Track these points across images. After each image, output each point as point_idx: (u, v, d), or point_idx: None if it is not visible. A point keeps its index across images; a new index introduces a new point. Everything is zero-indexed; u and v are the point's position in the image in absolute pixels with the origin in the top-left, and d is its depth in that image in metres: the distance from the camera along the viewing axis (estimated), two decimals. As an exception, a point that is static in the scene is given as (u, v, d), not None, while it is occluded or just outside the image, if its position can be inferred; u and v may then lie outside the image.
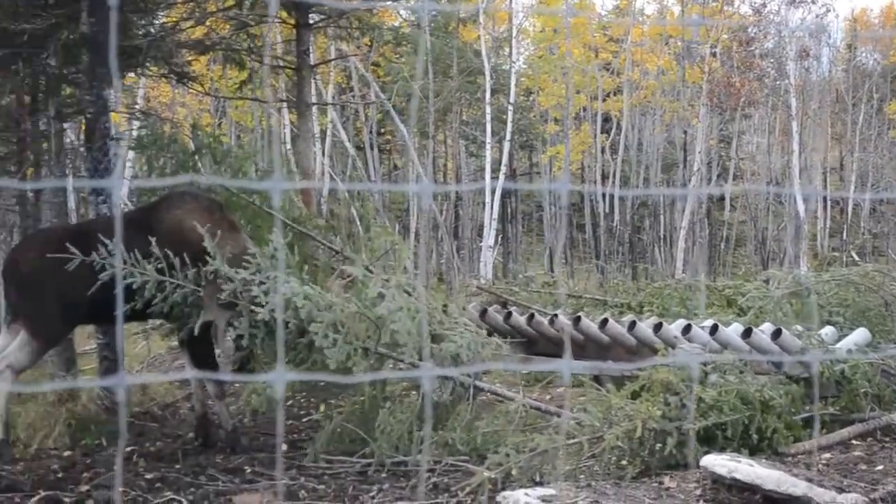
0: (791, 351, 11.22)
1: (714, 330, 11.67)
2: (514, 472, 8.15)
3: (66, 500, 8.41)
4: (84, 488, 8.76)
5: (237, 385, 13.36)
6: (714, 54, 42.30)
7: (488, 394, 10.56)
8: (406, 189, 35.34)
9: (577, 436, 8.65)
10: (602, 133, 48.91)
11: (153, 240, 9.71)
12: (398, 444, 9.38)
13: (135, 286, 9.63)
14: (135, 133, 19.87)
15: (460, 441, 9.26)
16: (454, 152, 45.97)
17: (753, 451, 8.77)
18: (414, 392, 9.92)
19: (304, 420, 11.67)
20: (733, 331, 11.84)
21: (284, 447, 10.34)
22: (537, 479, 8.24)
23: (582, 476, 8.38)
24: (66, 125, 16.92)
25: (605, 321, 12.62)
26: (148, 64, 15.62)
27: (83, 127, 13.87)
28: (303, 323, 9.51)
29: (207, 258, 9.72)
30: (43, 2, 13.41)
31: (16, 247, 11.28)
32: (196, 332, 9.84)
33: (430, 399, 9.58)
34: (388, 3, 25.80)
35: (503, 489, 7.77)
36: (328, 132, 38.36)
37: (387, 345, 9.70)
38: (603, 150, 49.35)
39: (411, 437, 9.40)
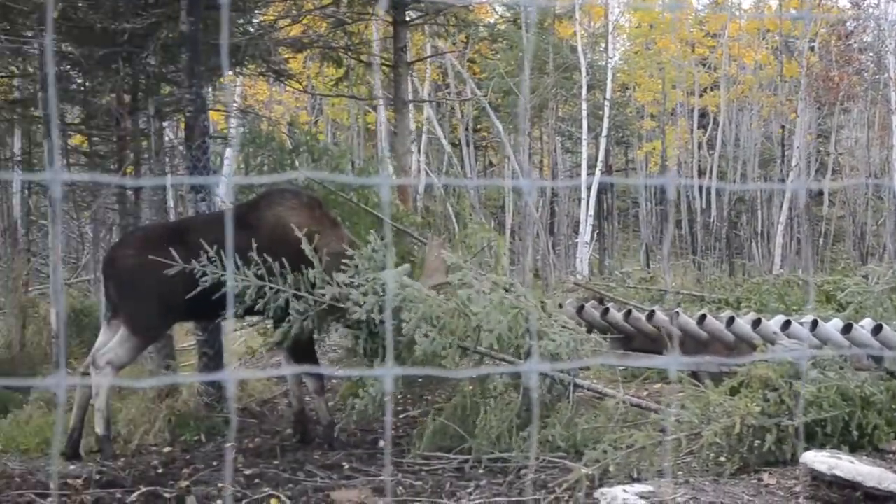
0: (892, 346, 11.03)
1: (814, 326, 11.51)
2: (611, 468, 8.08)
3: (166, 495, 8.44)
4: (184, 484, 8.80)
5: (335, 381, 13.41)
6: (812, 48, 41.74)
7: (586, 391, 10.48)
8: (511, 185, 35.28)
9: (676, 432, 8.56)
10: (699, 128, 48.44)
11: (253, 237, 9.75)
12: (497, 442, 9.35)
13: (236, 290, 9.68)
14: (232, 131, 20.03)
15: (560, 438, 9.20)
16: (550, 149, 45.76)
17: (854, 448, 8.61)
18: (514, 391, 9.84)
19: (401, 416, 11.66)
20: (833, 326, 11.67)
21: (381, 444, 10.35)
22: (635, 475, 8.17)
23: (680, 472, 8.30)
24: (164, 124, 17.08)
25: (702, 317, 12.49)
26: (246, 62, 15.73)
27: (182, 125, 13.99)
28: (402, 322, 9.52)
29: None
30: (143, 1, 13.55)
31: (115, 244, 11.41)
32: (295, 330, 9.87)
33: (536, 395, 9.51)
34: (486, -1, 25.77)
35: (601, 486, 7.72)
36: (424, 129, 38.38)
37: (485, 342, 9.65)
38: (700, 146, 48.88)
39: (511, 434, 9.37)
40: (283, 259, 9.78)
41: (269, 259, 9.73)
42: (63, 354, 10.63)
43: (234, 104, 28.58)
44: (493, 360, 9.87)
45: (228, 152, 28.60)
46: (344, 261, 9.90)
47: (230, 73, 20.73)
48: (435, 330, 9.43)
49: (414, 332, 9.37)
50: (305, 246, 9.69)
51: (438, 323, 9.49)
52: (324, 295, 9.77)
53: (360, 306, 9.53)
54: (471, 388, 10.08)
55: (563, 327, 10.03)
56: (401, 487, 8.62)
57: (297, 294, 9.83)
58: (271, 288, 9.77)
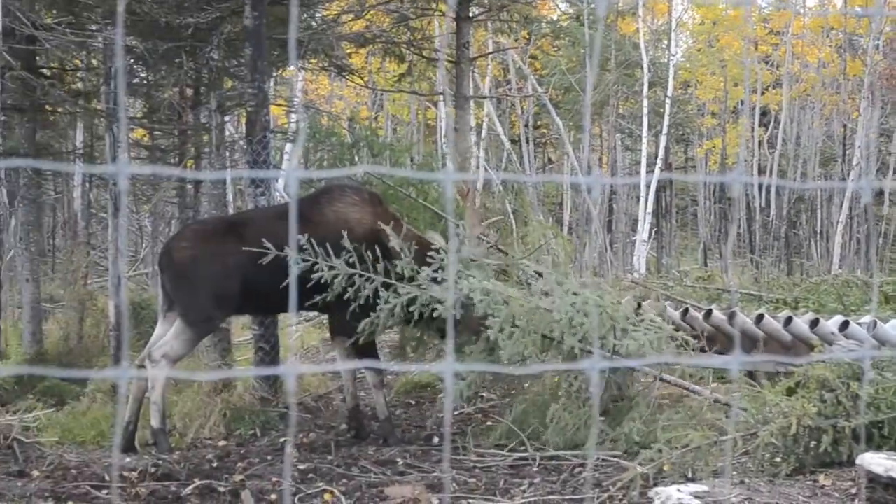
0: (953, 347, 10.89)
1: (873, 326, 11.38)
2: (666, 467, 8.05)
3: (221, 489, 8.47)
4: (238, 478, 8.83)
5: (390, 377, 13.43)
6: (877, 47, 41.27)
7: (674, 386, 10.39)
8: (574, 181, 35.12)
9: (732, 432, 8.48)
10: (760, 126, 48.08)
11: (313, 232, 9.77)
12: (561, 439, 9.34)
13: (323, 280, 9.71)
14: (293, 126, 20.07)
15: (637, 432, 9.14)
16: (610, 145, 45.59)
17: (911, 450, 8.50)
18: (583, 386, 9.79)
19: (456, 414, 11.64)
20: (892, 327, 11.54)
21: (435, 440, 10.34)
22: (690, 475, 8.11)
23: (735, 473, 8.23)
24: (226, 118, 17.15)
25: (760, 316, 12.37)
26: (308, 56, 15.76)
27: (243, 119, 14.03)
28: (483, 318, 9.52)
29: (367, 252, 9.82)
30: (207, -4, 13.62)
31: (172, 237, 11.47)
32: (383, 320, 9.89)
33: (597, 391, 9.44)
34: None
35: (655, 485, 7.69)
36: (484, 125, 38.34)
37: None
38: (760, 144, 48.52)
39: (578, 431, 9.34)
40: (343, 254, 9.80)
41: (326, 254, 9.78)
42: (125, 346, 10.69)
43: (296, 99, 28.66)
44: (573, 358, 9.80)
45: (288, 147, 28.71)
46: (430, 254, 9.92)
47: (292, 67, 20.79)
48: (518, 331, 9.40)
49: (498, 335, 9.36)
50: (394, 239, 9.72)
51: (521, 323, 9.46)
52: (419, 286, 9.77)
53: (441, 303, 9.53)
54: (535, 388, 10.07)
55: (649, 326, 9.93)
56: (455, 484, 8.61)
57: (386, 283, 9.83)
58: (361, 276, 9.78)
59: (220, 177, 12.24)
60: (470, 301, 9.63)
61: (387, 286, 9.89)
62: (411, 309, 9.85)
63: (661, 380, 9.94)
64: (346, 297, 9.92)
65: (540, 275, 10.77)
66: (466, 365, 9.46)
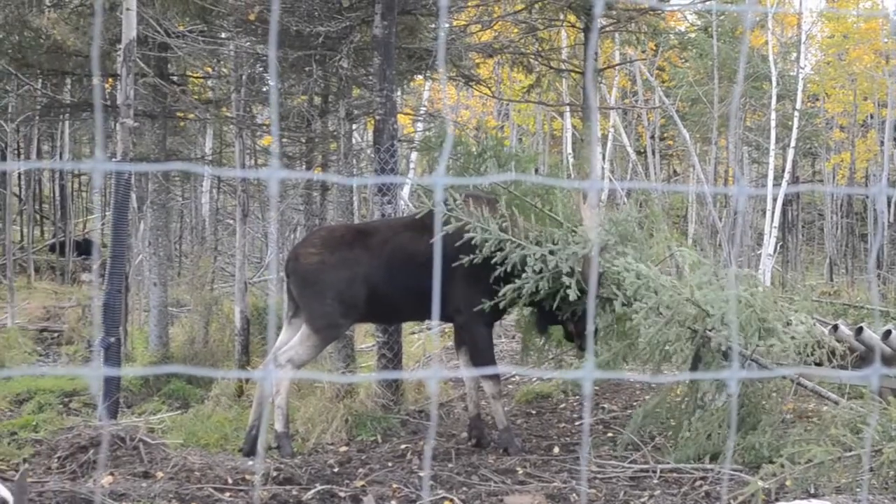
0: None
1: None
2: (788, 482, 7.91)
3: (342, 494, 8.49)
4: (359, 484, 8.85)
5: (510, 387, 13.40)
6: None
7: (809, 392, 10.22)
8: (723, 192, 34.81)
9: (856, 448, 8.30)
10: (890, 141, 47.20)
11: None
12: (684, 451, 9.24)
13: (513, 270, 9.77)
14: (418, 135, 20.12)
15: (767, 447, 9.00)
16: (736, 158, 45.12)
17: None
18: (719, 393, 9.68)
19: (576, 423, 11.59)
20: None
21: (555, 450, 10.28)
22: (812, 490, 7.97)
23: (858, 490, 8.06)
24: (353, 126, 17.28)
25: (888, 332, 12.11)
26: (436, 66, 15.80)
27: (370, 128, 14.11)
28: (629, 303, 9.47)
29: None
30: (338, 5, 13.71)
31: (299, 243, 11.55)
32: (529, 289, 9.87)
33: (735, 404, 9.30)
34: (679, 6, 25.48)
35: (777, 500, 7.57)
36: (609, 136, 38.17)
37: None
38: (891, 158, 47.63)
39: (710, 439, 9.24)
40: (463, 263, 9.82)
41: (450, 265, 9.82)
42: (272, 345, 10.79)
43: (423, 108, 28.78)
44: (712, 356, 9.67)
45: (413, 156, 28.81)
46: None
47: (419, 76, 20.89)
48: (662, 319, 9.30)
49: (642, 321, 9.27)
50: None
51: (666, 312, 9.35)
52: (574, 253, 9.75)
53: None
54: (655, 399, 9.97)
55: (798, 327, 9.76)
56: (574, 495, 8.54)
57: (552, 251, 9.82)
58: (512, 242, 9.79)
59: (384, 181, 12.27)
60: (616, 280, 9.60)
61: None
62: (540, 287, 9.82)
63: (799, 384, 9.73)
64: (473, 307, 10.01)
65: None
66: (606, 372, 9.39)
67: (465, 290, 9.99)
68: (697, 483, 8.74)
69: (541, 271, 9.80)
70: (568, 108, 31.74)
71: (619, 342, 9.81)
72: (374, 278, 10.15)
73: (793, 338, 9.47)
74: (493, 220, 9.92)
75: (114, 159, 11.18)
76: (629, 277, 9.43)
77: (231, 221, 29.52)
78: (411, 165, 31.58)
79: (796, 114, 36.49)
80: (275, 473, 8.98)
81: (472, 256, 9.79)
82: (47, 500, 7.70)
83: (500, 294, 9.89)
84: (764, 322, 9.49)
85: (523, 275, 9.81)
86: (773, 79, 35.93)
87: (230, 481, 8.68)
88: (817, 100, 48.80)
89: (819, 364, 9.98)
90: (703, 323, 9.43)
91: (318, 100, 15.75)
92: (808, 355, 9.52)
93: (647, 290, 9.40)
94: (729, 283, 9.66)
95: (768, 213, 34.96)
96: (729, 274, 9.76)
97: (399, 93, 16.17)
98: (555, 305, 9.93)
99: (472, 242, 9.84)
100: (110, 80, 17.48)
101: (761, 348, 9.42)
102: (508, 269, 9.85)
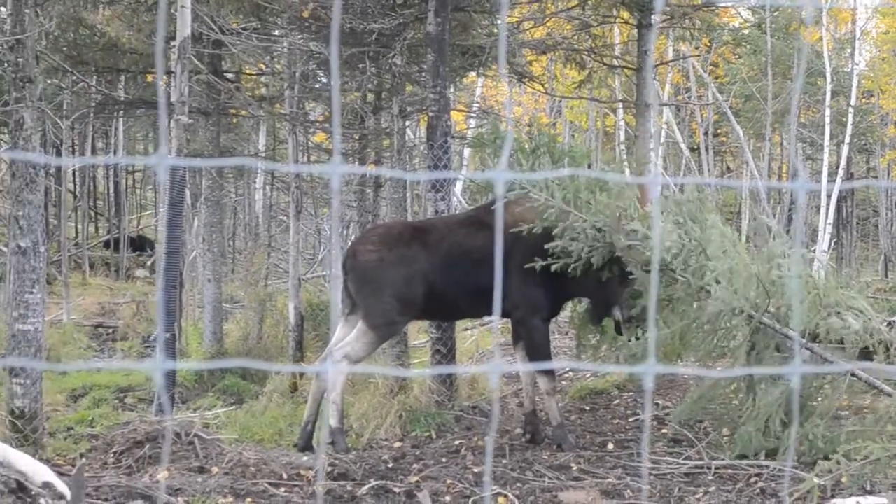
0: None
1: None
2: (844, 479, 7.86)
3: (396, 489, 8.51)
4: (413, 479, 8.87)
5: (564, 383, 13.39)
6: None
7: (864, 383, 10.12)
8: (782, 187, 34.65)
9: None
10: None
11: (492, 238, 9.82)
12: (739, 446, 9.20)
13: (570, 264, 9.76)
14: (471, 132, 20.12)
15: (822, 440, 8.93)
16: (794, 153, 44.84)
17: None
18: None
19: (630, 420, 11.57)
20: None
21: (610, 446, 10.26)
22: (868, 487, 7.91)
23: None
24: (406, 123, 17.30)
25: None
26: (489, 63, 15.80)
27: (423, 124, 14.12)
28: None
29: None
30: (392, 2, 13.73)
31: (356, 240, 11.58)
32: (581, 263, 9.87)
33: (797, 398, 9.22)
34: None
35: (832, 497, 7.55)
36: (662, 133, 38.02)
37: (774, 315, 9.41)
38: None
39: (767, 432, 9.18)
40: (520, 260, 9.82)
41: (507, 261, 9.82)
42: (333, 338, 10.83)
43: (476, 105, 28.80)
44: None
45: (466, 152, 28.81)
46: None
47: (472, 73, 20.88)
48: (730, 288, 9.22)
49: (714, 285, 9.21)
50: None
51: (732, 285, 9.28)
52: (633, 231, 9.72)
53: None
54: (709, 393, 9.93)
55: (863, 311, 9.66)
56: (629, 490, 8.53)
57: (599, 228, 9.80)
58: (574, 214, 9.77)
59: (445, 176, 12.31)
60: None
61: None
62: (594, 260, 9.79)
63: (853, 376, 9.62)
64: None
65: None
66: (668, 367, 9.35)
67: (522, 286, 9.99)
68: (752, 479, 8.70)
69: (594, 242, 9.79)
70: (621, 105, 31.66)
71: (679, 320, 9.72)
72: (431, 275, 10.19)
73: (855, 319, 9.35)
74: (557, 191, 9.90)
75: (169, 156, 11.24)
76: (714, 234, 9.37)
77: (284, 218, 29.65)
78: (464, 162, 31.62)
79: (851, 110, 36.26)
80: (329, 469, 9.02)
81: (531, 226, 9.79)
82: (104, 494, 7.77)
83: (550, 253, 9.86)
84: (826, 306, 9.39)
85: (574, 243, 9.80)
86: (828, 75, 35.69)
87: (285, 476, 8.73)
88: (872, 96, 48.44)
89: (869, 357, 9.88)
90: (764, 304, 9.35)
91: (371, 96, 15.78)
92: (867, 348, 9.41)
93: (716, 256, 9.34)
94: (794, 264, 9.54)
95: (822, 210, 34.75)
96: (793, 255, 9.61)
97: (452, 89, 16.18)
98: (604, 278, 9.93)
99: (533, 231, 9.84)
100: (165, 77, 17.60)
101: (825, 329, 9.31)
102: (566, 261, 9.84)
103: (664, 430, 10.69)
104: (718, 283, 9.27)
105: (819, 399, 9.69)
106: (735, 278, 9.24)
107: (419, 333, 16.84)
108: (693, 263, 9.46)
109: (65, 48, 17.39)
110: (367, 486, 8.53)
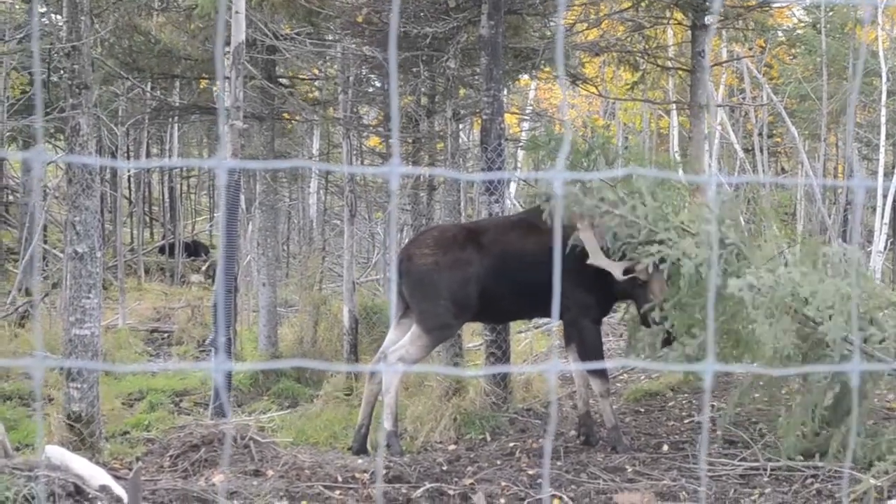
0: None
1: None
2: (901, 480, 7.80)
3: (451, 492, 8.50)
4: (468, 482, 8.87)
5: (618, 385, 13.35)
6: None
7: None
8: (840, 185, 34.42)
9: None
10: None
11: (544, 241, 9.82)
12: (795, 447, 9.11)
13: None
14: (524, 135, 20.11)
15: (861, 447, 8.84)
16: (845, 155, 44.49)
17: None
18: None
19: (685, 422, 11.51)
20: None
21: (665, 448, 10.21)
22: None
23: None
24: (459, 126, 17.32)
25: None
26: (543, 66, 15.79)
27: (476, 127, 14.14)
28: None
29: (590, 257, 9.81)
30: (445, 6, 13.75)
31: (410, 243, 11.59)
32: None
33: (856, 398, 9.12)
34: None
35: (889, 498, 7.46)
36: (717, 134, 37.84)
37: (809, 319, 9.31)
38: None
39: (817, 435, 9.11)
40: (571, 261, 9.78)
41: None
42: (386, 340, 10.89)
43: (529, 107, 28.78)
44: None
45: (520, 155, 28.79)
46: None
47: (525, 76, 20.89)
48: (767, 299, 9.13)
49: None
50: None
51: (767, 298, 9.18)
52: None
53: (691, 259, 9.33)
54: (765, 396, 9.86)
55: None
56: (684, 492, 8.49)
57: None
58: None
59: (498, 177, 12.32)
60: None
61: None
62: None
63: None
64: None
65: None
66: (726, 366, 9.29)
67: (573, 287, 9.96)
68: (808, 481, 8.64)
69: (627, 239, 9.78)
70: (674, 106, 31.53)
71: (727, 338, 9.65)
72: (485, 278, 10.18)
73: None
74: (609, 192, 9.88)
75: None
76: (714, 280, 9.28)
77: (338, 222, 29.72)
78: (518, 165, 31.59)
79: (907, 109, 35.99)
80: (384, 472, 9.02)
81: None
82: (160, 498, 7.80)
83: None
84: (867, 313, 9.28)
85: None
86: (884, 74, 35.40)
87: (340, 479, 8.74)
88: (927, 95, 48.02)
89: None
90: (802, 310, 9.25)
91: (424, 100, 15.80)
92: None
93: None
94: (834, 271, 9.43)
95: (878, 210, 34.48)
96: (832, 260, 9.49)
97: (505, 92, 16.16)
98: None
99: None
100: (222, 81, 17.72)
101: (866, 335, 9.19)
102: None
103: (718, 432, 10.64)
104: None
105: (867, 399, 9.58)
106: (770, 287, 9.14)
107: (474, 336, 16.83)
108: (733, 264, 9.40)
109: (120, 55, 17.55)
110: (421, 489, 8.53)
